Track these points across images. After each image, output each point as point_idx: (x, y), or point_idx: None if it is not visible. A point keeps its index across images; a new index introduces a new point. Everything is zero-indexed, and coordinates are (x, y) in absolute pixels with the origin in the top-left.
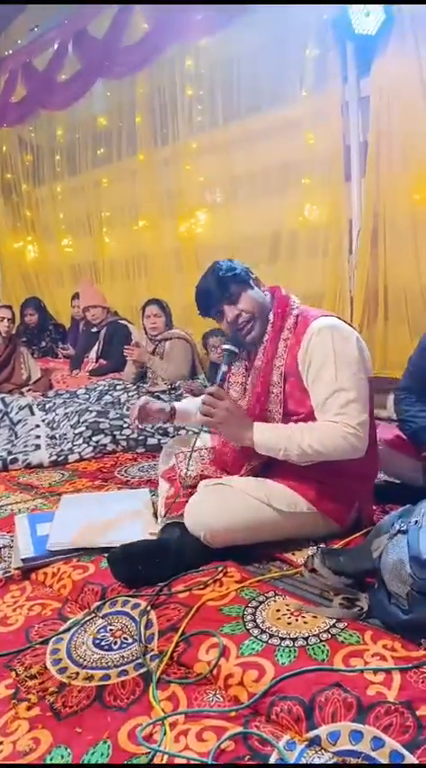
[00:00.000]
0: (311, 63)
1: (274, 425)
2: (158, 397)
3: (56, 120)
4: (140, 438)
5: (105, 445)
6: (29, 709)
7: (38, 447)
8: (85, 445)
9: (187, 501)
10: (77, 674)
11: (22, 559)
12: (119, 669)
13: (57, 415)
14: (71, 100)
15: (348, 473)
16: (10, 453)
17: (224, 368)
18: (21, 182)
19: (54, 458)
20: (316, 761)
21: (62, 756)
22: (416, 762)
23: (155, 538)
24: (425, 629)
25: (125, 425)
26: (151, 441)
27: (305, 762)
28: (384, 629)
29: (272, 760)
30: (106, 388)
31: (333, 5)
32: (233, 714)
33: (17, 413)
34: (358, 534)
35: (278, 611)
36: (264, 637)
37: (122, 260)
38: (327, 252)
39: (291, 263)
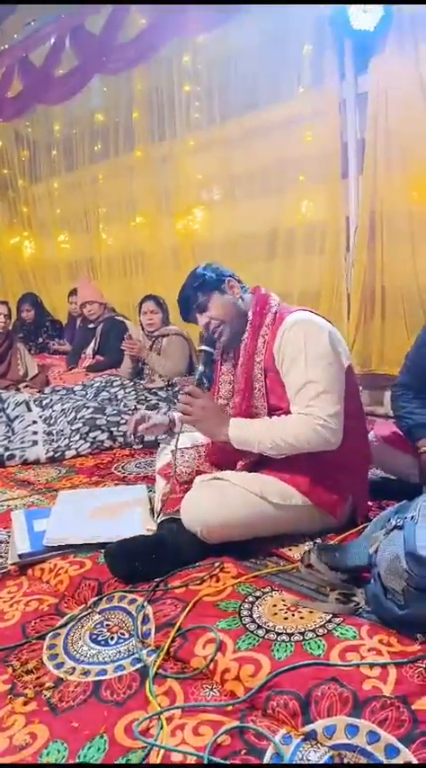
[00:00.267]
0: (309, 60)
1: (250, 421)
2: (155, 394)
3: (52, 115)
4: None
5: (102, 441)
6: (25, 704)
7: (35, 443)
8: (82, 441)
9: (183, 497)
10: (74, 669)
11: (19, 555)
12: (116, 664)
13: (53, 411)
14: (68, 95)
15: (339, 466)
16: (7, 449)
17: (201, 368)
18: (17, 177)
19: (51, 454)
20: (312, 755)
21: (58, 751)
22: (411, 755)
23: (151, 534)
24: (421, 623)
25: (122, 422)
26: (148, 437)
27: (301, 756)
28: (380, 624)
29: (268, 754)
30: (103, 384)
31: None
32: (229, 708)
33: (14, 409)
34: (354, 530)
35: (274, 606)
36: (261, 632)
37: (119, 256)
38: (324, 249)
39: (288, 260)
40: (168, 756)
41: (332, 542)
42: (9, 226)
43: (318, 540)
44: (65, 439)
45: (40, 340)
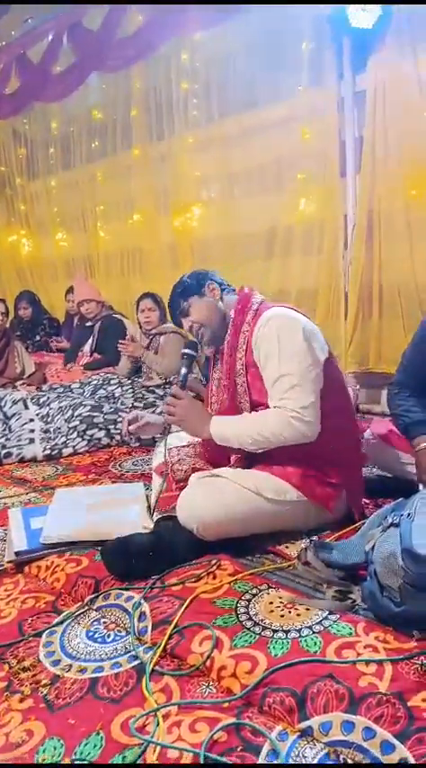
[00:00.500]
0: (307, 58)
1: (229, 417)
2: (152, 392)
3: (50, 112)
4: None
5: (99, 439)
6: (21, 701)
7: (32, 441)
8: (79, 439)
9: (179, 495)
10: (70, 666)
11: (16, 553)
12: (113, 661)
13: (51, 409)
14: (66, 92)
15: (329, 459)
16: (4, 447)
17: (183, 370)
18: (15, 175)
19: (48, 452)
20: (308, 751)
21: (55, 748)
22: (406, 751)
23: (148, 531)
24: (417, 621)
25: (119, 420)
26: (145, 436)
27: (297, 752)
28: (376, 622)
29: (264, 751)
30: (100, 382)
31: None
32: (225, 705)
33: (11, 407)
34: (350, 527)
35: (271, 603)
36: (257, 629)
37: (117, 254)
38: (322, 248)
39: (286, 258)
40: (164, 753)
41: (328, 540)
42: (6, 224)
43: (315, 538)
44: (62, 437)
45: (38, 338)
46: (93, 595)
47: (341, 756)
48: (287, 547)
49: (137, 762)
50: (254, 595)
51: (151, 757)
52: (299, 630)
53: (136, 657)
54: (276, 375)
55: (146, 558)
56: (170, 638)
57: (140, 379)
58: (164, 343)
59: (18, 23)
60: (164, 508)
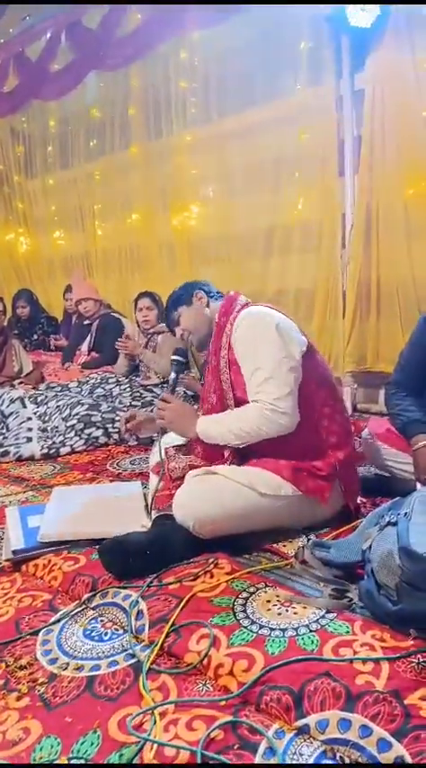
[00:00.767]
0: (306, 57)
1: (214, 416)
2: (150, 391)
3: (48, 110)
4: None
5: (97, 438)
6: (18, 699)
7: (29, 440)
8: (77, 438)
9: (175, 493)
10: (68, 664)
11: (13, 551)
12: (110, 660)
13: (48, 407)
14: (64, 90)
15: (317, 450)
16: (1, 446)
17: (173, 375)
18: (12, 173)
19: (46, 450)
20: (305, 749)
21: (52, 746)
22: (403, 749)
23: (146, 530)
24: (414, 619)
25: (117, 418)
26: (144, 435)
27: (293, 750)
28: (373, 620)
29: (261, 749)
30: (98, 381)
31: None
32: (222, 703)
33: (8, 405)
34: (348, 526)
35: (268, 601)
36: (254, 627)
37: (115, 253)
38: (320, 247)
39: (285, 257)
40: (161, 751)
41: (326, 538)
42: (4, 222)
43: (312, 537)
44: (59, 435)
45: (35, 336)
46: (90, 594)
47: (338, 754)
48: (284, 545)
49: (134, 759)
50: (252, 594)
51: (148, 755)
52: (296, 629)
53: (133, 656)
54: (251, 370)
55: (143, 556)
56: (167, 636)
57: (138, 378)
58: (161, 342)
59: (16, 21)
60: (161, 506)
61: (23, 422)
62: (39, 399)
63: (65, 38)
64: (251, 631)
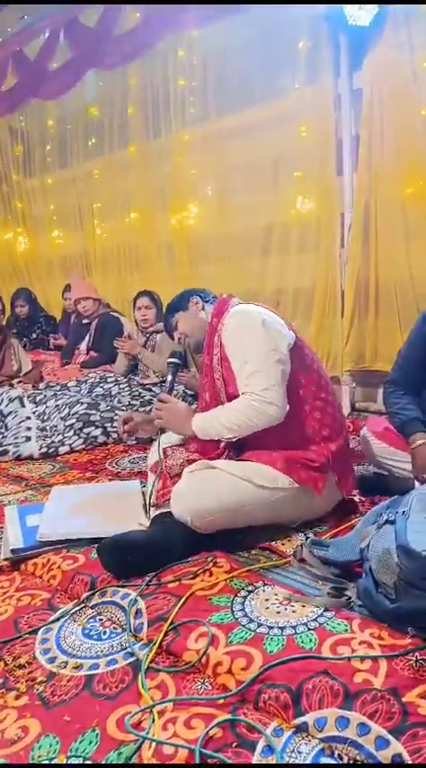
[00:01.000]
0: (304, 56)
1: (208, 413)
2: (149, 390)
3: (47, 109)
4: None
5: (96, 437)
6: (17, 698)
7: (28, 439)
8: (76, 437)
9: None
10: (66, 663)
11: (12, 550)
12: (109, 658)
13: (47, 407)
14: (63, 89)
15: (307, 439)
16: (0, 445)
17: (169, 377)
18: (11, 172)
19: (44, 450)
20: (303, 747)
21: (50, 744)
22: (401, 747)
23: (144, 529)
24: (412, 617)
25: (116, 417)
26: (143, 435)
27: (292, 748)
28: (371, 618)
29: (260, 747)
30: (97, 380)
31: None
32: (221, 702)
33: (7, 405)
34: (346, 525)
35: (266, 600)
36: (253, 626)
37: (114, 252)
38: (319, 246)
39: (283, 256)
40: (160, 749)
41: (324, 537)
42: (3, 221)
43: (311, 535)
44: (58, 435)
45: (34, 336)
46: (89, 593)
47: (336, 752)
48: (283, 544)
49: (133, 758)
50: (250, 592)
51: (146, 754)
52: (295, 627)
53: (131, 654)
54: (240, 365)
55: (142, 555)
56: (166, 634)
57: (137, 377)
58: (160, 342)
59: (14, 20)
60: (158, 502)
61: (22, 421)
62: (37, 398)
63: (63, 36)
64: (249, 630)
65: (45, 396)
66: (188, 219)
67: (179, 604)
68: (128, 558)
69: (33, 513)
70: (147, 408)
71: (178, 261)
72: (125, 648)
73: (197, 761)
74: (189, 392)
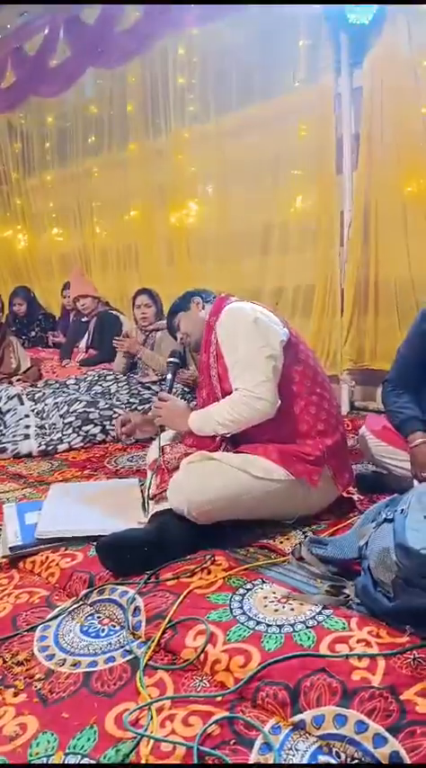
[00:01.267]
0: (304, 54)
1: (203, 410)
2: (148, 388)
3: (46, 107)
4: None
5: (95, 435)
6: (15, 695)
7: (27, 437)
8: (75, 435)
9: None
10: (64, 660)
11: (10, 548)
12: (107, 656)
13: (46, 404)
14: (62, 87)
15: (301, 433)
16: None
17: (169, 376)
18: (10, 170)
19: (43, 447)
20: (301, 745)
21: (48, 741)
22: (398, 744)
23: (143, 527)
24: (410, 615)
25: (115, 415)
26: (142, 435)
27: (289, 746)
28: (369, 616)
29: (257, 744)
30: (96, 378)
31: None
32: (219, 699)
33: (6, 402)
34: (345, 523)
35: (265, 598)
36: (251, 623)
37: (113, 250)
38: (318, 244)
39: (282, 255)
40: (158, 746)
41: (322, 535)
42: (2, 219)
43: (309, 533)
44: (57, 432)
45: (33, 333)
46: (87, 590)
47: (334, 750)
48: (281, 542)
49: (131, 755)
50: (248, 590)
51: (144, 751)
52: (293, 625)
53: (130, 652)
54: (232, 361)
55: (140, 553)
56: (164, 632)
57: (136, 376)
58: (160, 340)
59: (14, 17)
60: (156, 493)
61: (21, 419)
62: (36, 396)
63: (63, 34)
64: (247, 628)
65: (44, 393)
66: (187, 218)
67: (177, 602)
68: (127, 555)
69: (32, 510)
70: (147, 407)
71: (177, 259)
72: (123, 646)
73: (195, 758)
74: (187, 390)
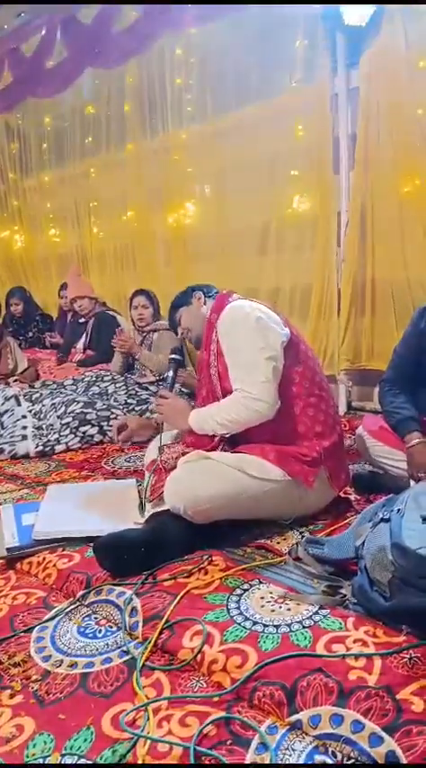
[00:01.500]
0: (301, 54)
1: (203, 408)
2: (146, 389)
3: (43, 107)
4: None
5: (92, 436)
6: (12, 696)
7: (24, 437)
8: (72, 436)
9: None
10: (61, 661)
11: (7, 549)
12: (104, 656)
13: (43, 405)
14: (60, 87)
15: (300, 434)
16: None
17: (170, 373)
18: (7, 170)
19: (40, 448)
20: (297, 745)
21: (45, 742)
22: (394, 744)
23: (140, 527)
24: (406, 615)
25: (112, 416)
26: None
27: (286, 745)
28: (366, 616)
29: (254, 744)
30: (93, 378)
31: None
32: (216, 699)
33: (3, 403)
34: (341, 523)
35: (262, 598)
36: (248, 624)
37: (110, 251)
38: (315, 245)
39: (280, 255)
40: (154, 747)
41: (319, 535)
42: None
43: (306, 534)
44: (54, 433)
45: (30, 334)
46: (84, 591)
47: (330, 749)
48: (278, 542)
49: (127, 755)
50: (245, 590)
51: (141, 751)
52: (289, 625)
53: (127, 653)
54: (233, 361)
55: (138, 553)
56: (161, 633)
57: (133, 376)
58: (157, 340)
59: (11, 17)
60: (154, 496)
61: (18, 420)
62: (33, 397)
63: (60, 34)
64: (244, 628)
65: (41, 394)
66: (185, 218)
67: (174, 603)
68: (125, 555)
69: (29, 511)
70: (144, 407)
71: (175, 259)
72: (120, 647)
73: (191, 758)
74: (185, 390)
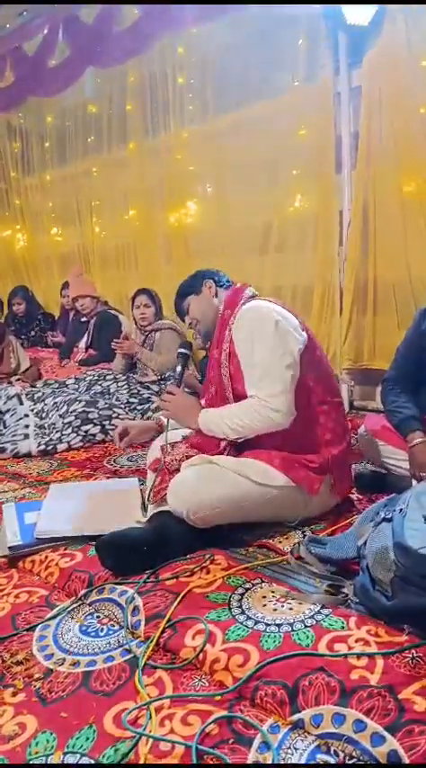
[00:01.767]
0: (303, 54)
1: (215, 410)
2: (148, 388)
3: (45, 106)
4: None
5: (94, 435)
6: (14, 695)
7: (26, 436)
8: (74, 435)
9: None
10: (64, 660)
11: (9, 547)
12: (106, 655)
13: (45, 404)
14: (61, 87)
15: (310, 443)
16: None
17: (179, 368)
18: (9, 169)
19: (42, 447)
20: (299, 744)
21: (47, 741)
22: (396, 743)
23: (142, 526)
24: (408, 614)
25: (114, 415)
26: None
27: (288, 745)
28: (368, 615)
29: (256, 743)
30: (95, 378)
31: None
32: (218, 698)
33: (5, 402)
34: (343, 522)
35: (264, 597)
36: (250, 623)
37: (112, 250)
38: (317, 244)
39: (282, 254)
40: (156, 746)
41: (321, 535)
42: (1, 218)
43: (308, 533)
44: (56, 432)
45: (32, 333)
46: (86, 590)
47: (332, 749)
48: (280, 542)
49: (130, 754)
50: (248, 590)
51: (143, 750)
52: (292, 624)
53: (129, 651)
54: (249, 366)
55: (140, 552)
56: (163, 631)
57: (135, 375)
58: (159, 340)
59: (13, 16)
60: (157, 499)
61: (20, 419)
62: (36, 396)
63: (62, 33)
64: (246, 627)
65: (43, 393)
66: (186, 217)
67: (176, 601)
68: (127, 554)
69: (31, 510)
70: (146, 406)
71: (176, 258)
72: (122, 645)
73: (193, 757)
74: (187, 390)
